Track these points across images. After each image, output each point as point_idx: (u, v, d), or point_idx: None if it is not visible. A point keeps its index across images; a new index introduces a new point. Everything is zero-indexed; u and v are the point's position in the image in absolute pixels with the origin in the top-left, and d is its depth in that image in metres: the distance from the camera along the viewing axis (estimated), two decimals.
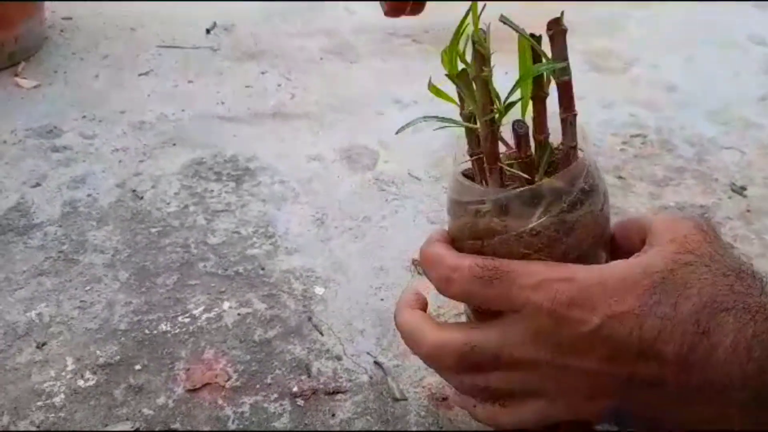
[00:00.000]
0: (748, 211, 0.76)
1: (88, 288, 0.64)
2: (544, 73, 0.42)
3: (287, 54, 1.08)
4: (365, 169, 0.82)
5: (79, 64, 1.02)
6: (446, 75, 0.42)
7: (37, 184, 0.77)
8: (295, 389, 0.55)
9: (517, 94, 0.42)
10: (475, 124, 0.43)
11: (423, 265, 0.45)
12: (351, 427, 0.52)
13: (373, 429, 0.52)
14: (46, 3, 1.11)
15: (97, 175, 0.79)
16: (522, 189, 0.41)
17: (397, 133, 0.46)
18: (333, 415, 0.53)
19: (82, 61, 1.03)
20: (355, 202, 0.76)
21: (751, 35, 1.16)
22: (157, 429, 0.52)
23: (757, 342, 0.36)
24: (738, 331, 0.37)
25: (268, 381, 0.56)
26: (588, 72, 1.03)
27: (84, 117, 0.90)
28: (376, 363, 0.57)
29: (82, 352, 0.57)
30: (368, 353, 0.58)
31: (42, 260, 0.67)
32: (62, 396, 0.54)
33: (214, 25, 1.15)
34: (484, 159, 0.42)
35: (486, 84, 0.41)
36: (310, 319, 0.61)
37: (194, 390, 0.55)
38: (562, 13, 0.42)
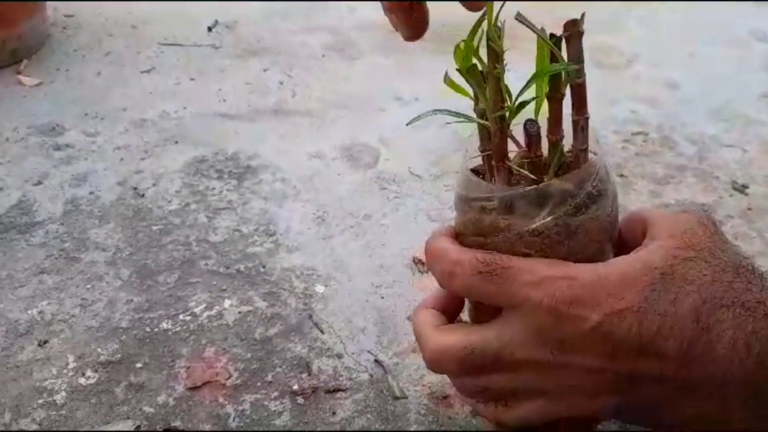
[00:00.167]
0: (749, 209, 0.75)
1: (89, 286, 0.64)
2: (562, 74, 0.42)
3: (289, 51, 1.08)
4: (366, 167, 0.82)
5: (81, 62, 1.02)
6: (457, 69, 0.42)
7: (39, 182, 0.77)
8: (295, 387, 0.55)
9: (532, 94, 0.42)
10: (487, 120, 0.43)
11: (427, 258, 0.45)
12: (351, 426, 0.52)
13: (374, 427, 0.52)
14: (49, 1, 1.11)
15: (98, 173, 0.79)
16: (528, 188, 0.41)
17: (408, 124, 0.46)
18: (333, 413, 0.53)
19: (84, 58, 1.03)
20: (356, 199, 0.76)
21: (753, 32, 1.15)
22: (157, 427, 0.52)
23: (756, 338, 0.37)
24: (737, 327, 0.37)
25: (269, 379, 0.56)
26: (590, 69, 1.02)
27: (86, 115, 0.90)
28: (376, 361, 0.57)
29: (83, 349, 0.58)
30: (369, 351, 0.58)
31: (43, 258, 0.67)
32: (63, 394, 0.54)
33: (216, 22, 1.15)
34: (493, 156, 0.43)
35: (497, 81, 0.41)
36: (310, 317, 0.61)
37: (195, 388, 0.55)
38: (583, 15, 0.41)
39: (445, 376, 0.51)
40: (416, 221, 0.73)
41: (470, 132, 0.45)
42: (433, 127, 0.87)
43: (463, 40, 0.41)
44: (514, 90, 0.42)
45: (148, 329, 0.60)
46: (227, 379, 0.56)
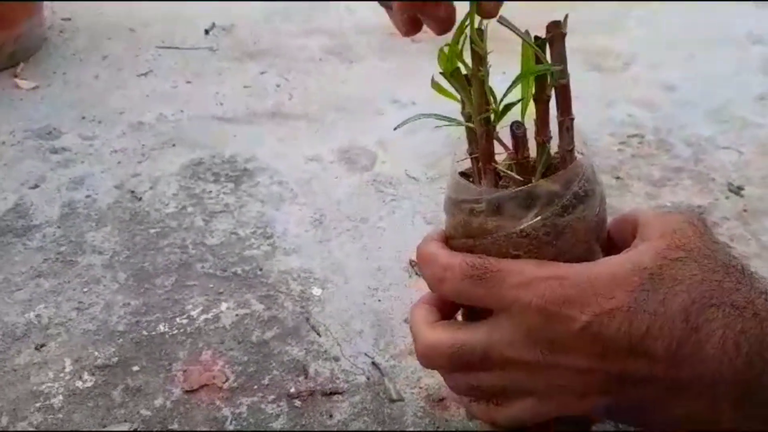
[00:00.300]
0: (745, 211, 0.76)
1: (86, 289, 0.64)
2: (548, 76, 0.42)
3: (286, 54, 1.08)
4: (363, 170, 0.82)
5: (78, 65, 1.03)
6: (440, 73, 0.42)
7: (36, 186, 0.77)
8: (292, 390, 0.55)
9: (518, 96, 0.42)
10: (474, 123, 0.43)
11: (418, 263, 0.45)
12: (348, 428, 0.52)
13: (370, 430, 0.52)
14: (46, 3, 1.11)
15: (95, 176, 0.79)
16: (515, 190, 0.41)
17: (395, 129, 0.46)
18: (330, 416, 0.53)
19: (82, 61, 1.04)
20: (353, 202, 0.76)
21: (750, 34, 1.16)
22: (155, 430, 0.52)
23: (745, 337, 0.37)
24: (726, 326, 0.37)
25: (266, 382, 0.56)
26: (587, 71, 1.03)
27: (83, 118, 0.90)
28: (373, 364, 0.58)
29: (80, 353, 0.58)
30: (366, 354, 0.58)
31: (40, 261, 0.67)
32: (60, 397, 0.54)
33: (213, 25, 1.15)
34: (480, 158, 0.43)
35: (482, 84, 0.41)
36: (307, 320, 0.62)
37: (192, 391, 0.55)
38: (566, 17, 0.42)
39: (442, 379, 0.51)
40: (413, 224, 0.73)
41: (459, 135, 0.45)
42: (429, 130, 0.87)
43: (447, 44, 0.41)
44: (502, 92, 0.42)
45: (145, 332, 0.60)
46: (224, 382, 0.56)
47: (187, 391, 0.55)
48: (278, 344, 0.59)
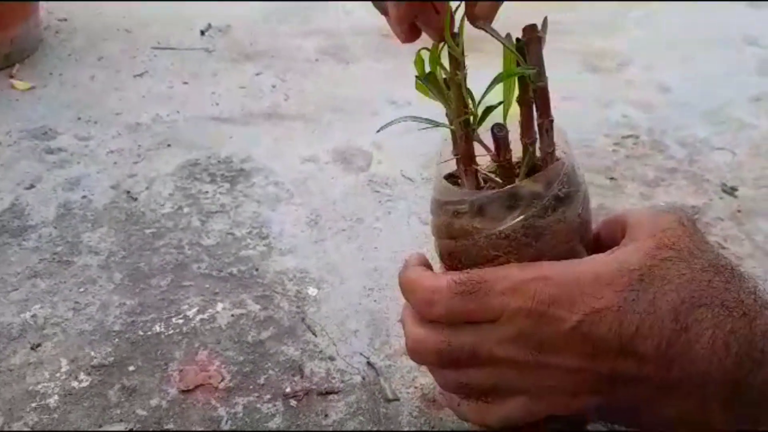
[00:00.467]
0: (739, 211, 0.76)
1: (82, 289, 0.64)
2: (530, 78, 0.42)
3: (282, 55, 1.08)
4: (359, 171, 0.82)
5: (74, 66, 1.03)
6: (416, 77, 0.42)
7: (32, 186, 0.77)
8: (288, 390, 0.55)
9: (499, 98, 0.43)
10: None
11: (402, 290, 0.44)
12: (344, 428, 0.52)
13: (366, 429, 0.52)
14: (42, 4, 1.11)
15: (91, 177, 0.79)
16: (495, 192, 0.42)
17: (378, 131, 0.47)
18: (326, 415, 0.53)
19: (78, 62, 1.04)
20: (349, 203, 0.77)
21: (745, 35, 1.16)
22: (150, 430, 0.52)
23: (734, 337, 0.37)
24: (716, 326, 0.37)
25: (262, 382, 0.56)
26: (583, 72, 1.03)
27: (79, 119, 0.90)
28: (368, 363, 0.58)
29: (76, 353, 0.58)
30: (361, 354, 0.59)
31: (36, 262, 0.67)
32: (56, 397, 0.54)
33: (209, 26, 1.15)
34: (460, 160, 0.43)
35: (459, 87, 0.41)
36: (303, 320, 0.62)
37: (188, 391, 0.55)
38: (545, 20, 0.42)
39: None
40: (408, 224, 0.74)
41: (446, 136, 0.46)
42: (424, 131, 0.86)
43: (423, 48, 0.42)
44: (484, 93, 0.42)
45: (140, 332, 0.60)
46: (220, 382, 0.56)
47: (182, 391, 0.55)
48: (274, 344, 0.59)
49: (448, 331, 0.42)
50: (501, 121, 0.42)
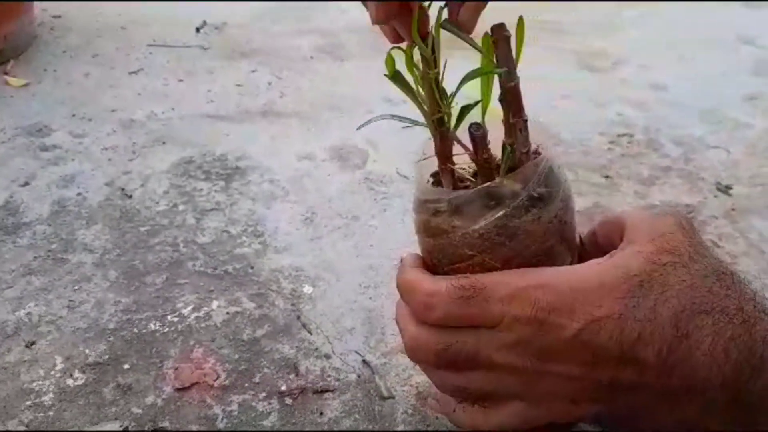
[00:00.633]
0: (733, 209, 0.76)
1: (77, 287, 0.64)
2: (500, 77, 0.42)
3: (278, 53, 1.08)
4: (355, 168, 0.82)
5: (69, 63, 1.02)
6: (385, 75, 0.42)
7: (26, 183, 0.77)
8: (283, 388, 0.55)
9: (477, 96, 0.42)
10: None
11: (400, 292, 0.44)
12: (339, 426, 0.52)
13: (361, 427, 0.52)
14: (36, 1, 1.11)
15: (86, 174, 0.79)
16: (471, 191, 0.41)
17: (358, 129, 0.47)
18: (321, 413, 0.53)
19: (72, 59, 1.03)
20: (345, 200, 0.77)
21: (740, 35, 1.17)
22: (146, 428, 0.52)
23: (734, 344, 0.37)
24: (716, 333, 0.37)
25: (257, 380, 0.56)
26: (578, 71, 1.03)
27: (73, 115, 0.90)
28: (364, 361, 0.58)
29: (71, 351, 0.58)
30: (356, 352, 0.59)
31: (31, 259, 0.67)
32: (51, 395, 0.54)
33: (204, 23, 1.15)
34: (437, 158, 0.43)
35: (430, 86, 0.41)
36: (298, 317, 0.62)
37: (183, 389, 0.55)
38: (521, 19, 0.41)
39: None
40: (403, 222, 0.74)
41: (430, 135, 0.45)
42: (420, 128, 0.87)
43: (395, 46, 0.42)
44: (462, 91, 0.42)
45: (136, 330, 0.60)
46: (215, 380, 0.56)
47: (178, 389, 0.55)
48: (269, 342, 0.59)
49: (447, 333, 0.41)
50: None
